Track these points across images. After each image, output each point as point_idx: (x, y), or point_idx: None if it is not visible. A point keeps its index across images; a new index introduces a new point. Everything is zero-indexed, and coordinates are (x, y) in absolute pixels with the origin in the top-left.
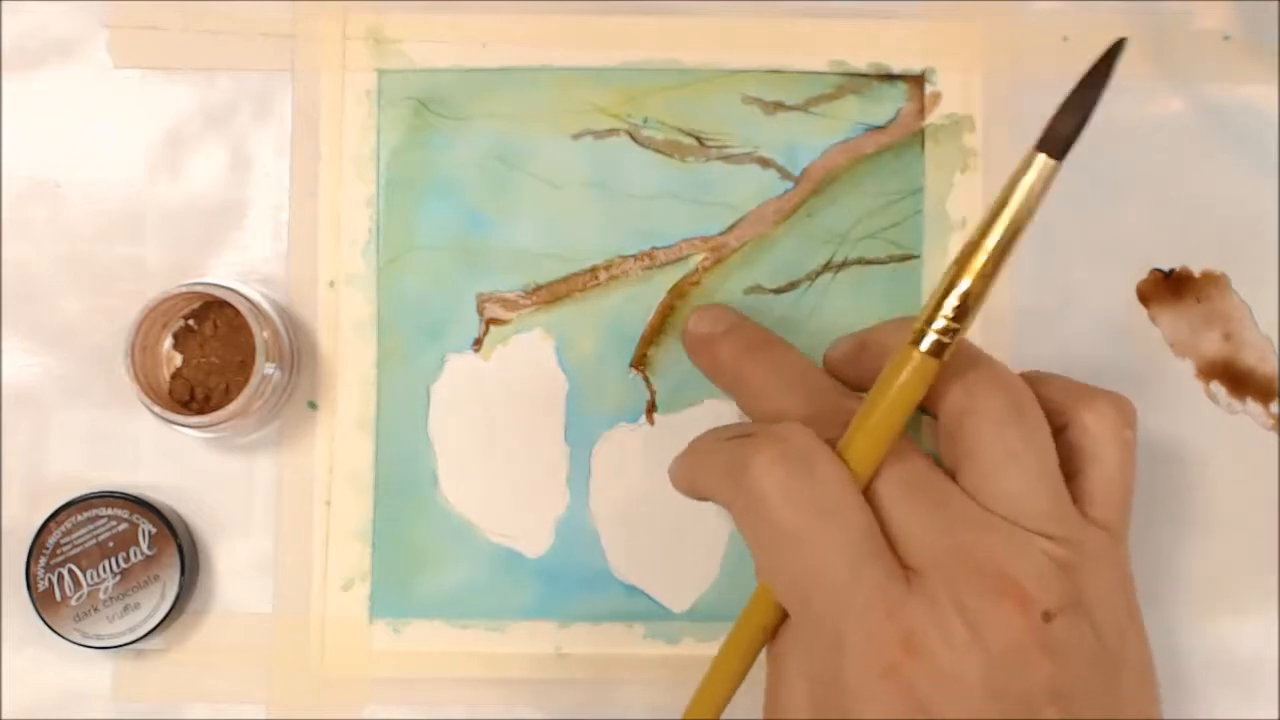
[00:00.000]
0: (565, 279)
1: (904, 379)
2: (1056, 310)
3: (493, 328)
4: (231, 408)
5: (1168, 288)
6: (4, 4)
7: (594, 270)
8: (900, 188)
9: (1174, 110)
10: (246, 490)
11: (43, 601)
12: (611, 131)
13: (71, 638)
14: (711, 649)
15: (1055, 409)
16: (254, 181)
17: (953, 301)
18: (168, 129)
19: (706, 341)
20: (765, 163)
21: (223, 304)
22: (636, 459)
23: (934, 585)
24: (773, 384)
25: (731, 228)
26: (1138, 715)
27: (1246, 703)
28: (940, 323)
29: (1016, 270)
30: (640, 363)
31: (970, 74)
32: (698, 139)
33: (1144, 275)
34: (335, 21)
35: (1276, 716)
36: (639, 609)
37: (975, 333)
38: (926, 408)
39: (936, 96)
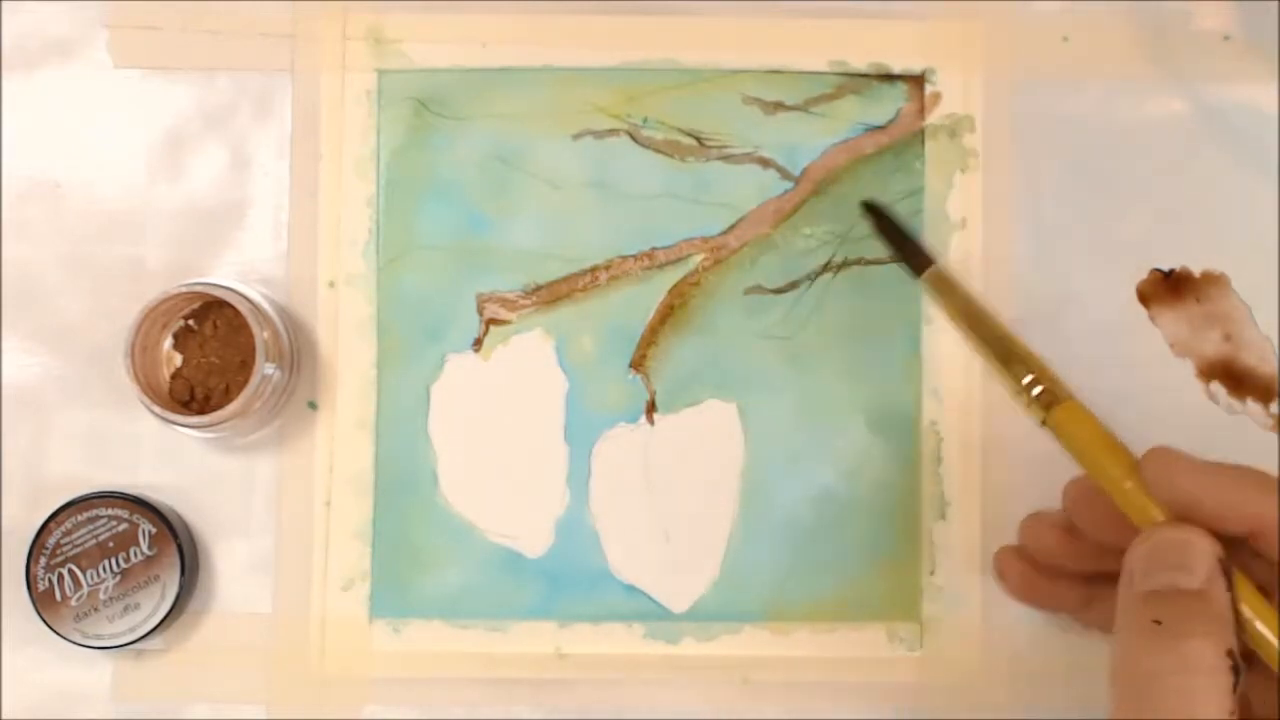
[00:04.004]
0: (565, 279)
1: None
2: (1056, 310)
3: (493, 328)
4: (231, 408)
5: (1168, 288)
6: (4, 4)
7: (594, 270)
8: (900, 188)
9: (1174, 110)
10: (246, 490)
11: (43, 601)
12: (611, 131)
13: (71, 638)
14: (711, 649)
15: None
16: (254, 181)
17: (1019, 374)
18: (168, 129)
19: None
20: (765, 163)
21: (223, 304)
22: (636, 459)
23: None
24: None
25: (731, 228)
26: None
27: None
28: (1034, 387)
29: (1017, 271)
30: (640, 363)
31: (970, 74)
32: (698, 139)
33: (1144, 275)
34: (335, 21)
35: (1277, 717)
36: (639, 609)
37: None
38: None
39: (936, 96)
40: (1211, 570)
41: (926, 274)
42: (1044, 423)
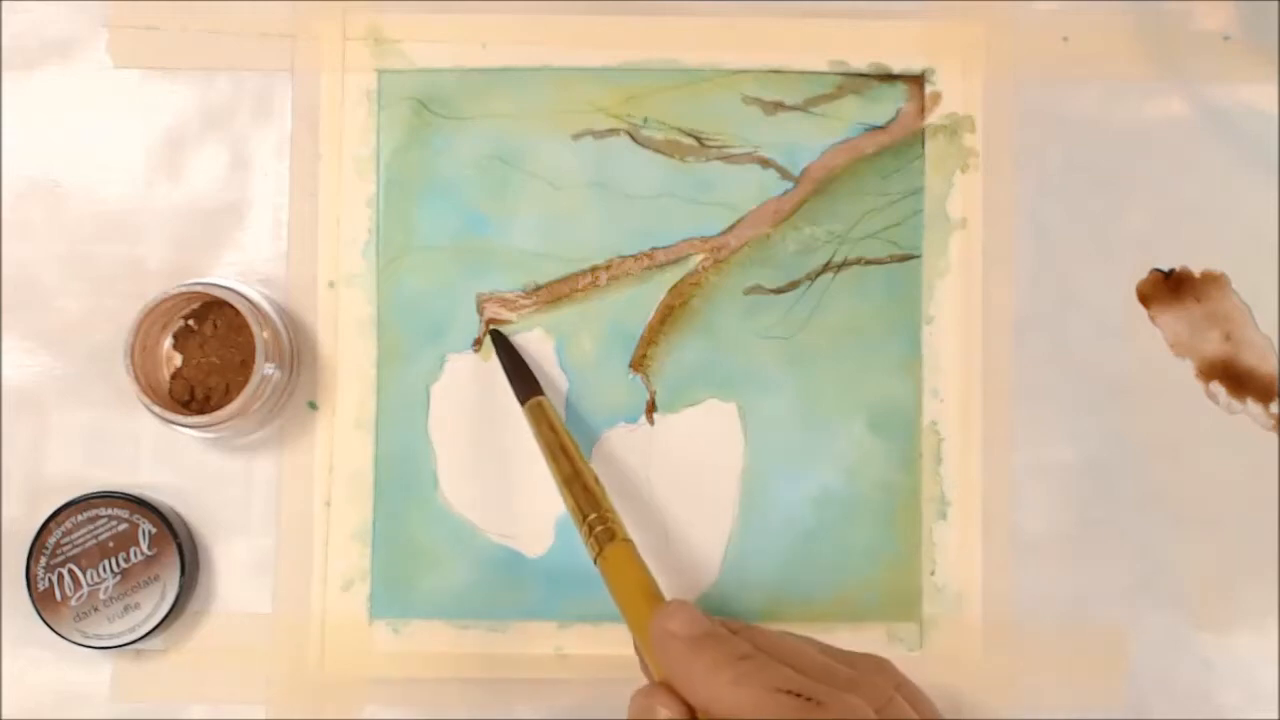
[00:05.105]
0: (565, 279)
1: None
2: (1056, 311)
3: (493, 328)
4: (231, 408)
5: (1168, 288)
6: (4, 4)
7: (594, 270)
8: (900, 188)
9: (1174, 110)
10: (246, 490)
11: (43, 601)
12: (611, 131)
13: (71, 638)
14: None
15: None
16: (254, 181)
17: (586, 512)
18: (168, 129)
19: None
20: (765, 163)
21: (223, 304)
22: (636, 459)
23: None
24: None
25: (731, 228)
26: None
27: (1247, 703)
28: (596, 526)
29: (1016, 271)
30: (640, 363)
31: (970, 74)
32: (698, 139)
33: (1144, 275)
34: (335, 21)
35: (1277, 717)
36: None
37: (975, 335)
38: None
39: (936, 96)
40: None
41: (529, 403)
42: (596, 559)
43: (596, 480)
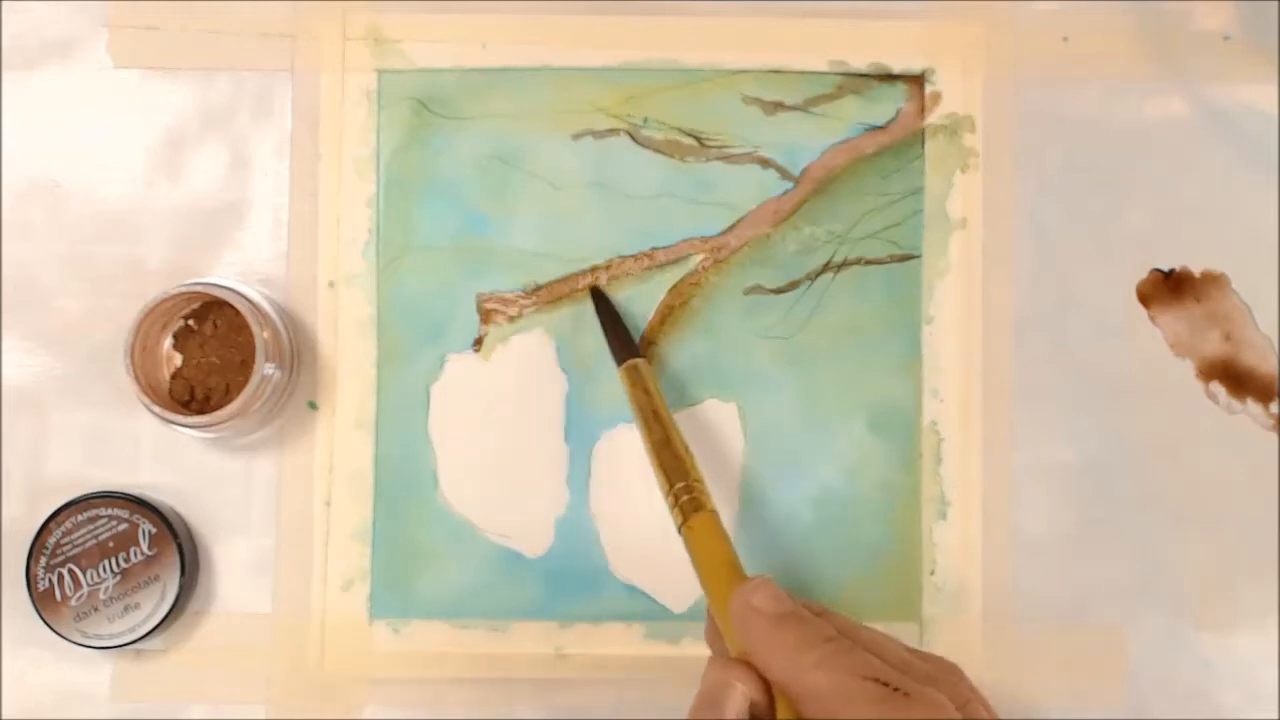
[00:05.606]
0: (565, 279)
1: (705, 543)
2: (1056, 311)
3: (493, 328)
4: (231, 408)
5: (1168, 288)
6: (4, 4)
7: (594, 270)
8: (900, 188)
9: (1174, 110)
10: (246, 490)
11: (43, 601)
12: (611, 131)
13: (71, 638)
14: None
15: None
16: (254, 182)
17: (674, 480)
18: (168, 129)
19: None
20: (765, 163)
21: (223, 304)
22: (636, 459)
23: None
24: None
25: (731, 228)
26: None
27: (1247, 703)
28: (682, 495)
29: (1016, 271)
30: None
31: (970, 74)
32: (698, 139)
33: (1144, 275)
34: (335, 21)
35: (1277, 717)
36: (639, 609)
37: (975, 335)
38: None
39: (936, 96)
40: (739, 714)
41: (625, 365)
42: (680, 528)
43: (687, 449)
